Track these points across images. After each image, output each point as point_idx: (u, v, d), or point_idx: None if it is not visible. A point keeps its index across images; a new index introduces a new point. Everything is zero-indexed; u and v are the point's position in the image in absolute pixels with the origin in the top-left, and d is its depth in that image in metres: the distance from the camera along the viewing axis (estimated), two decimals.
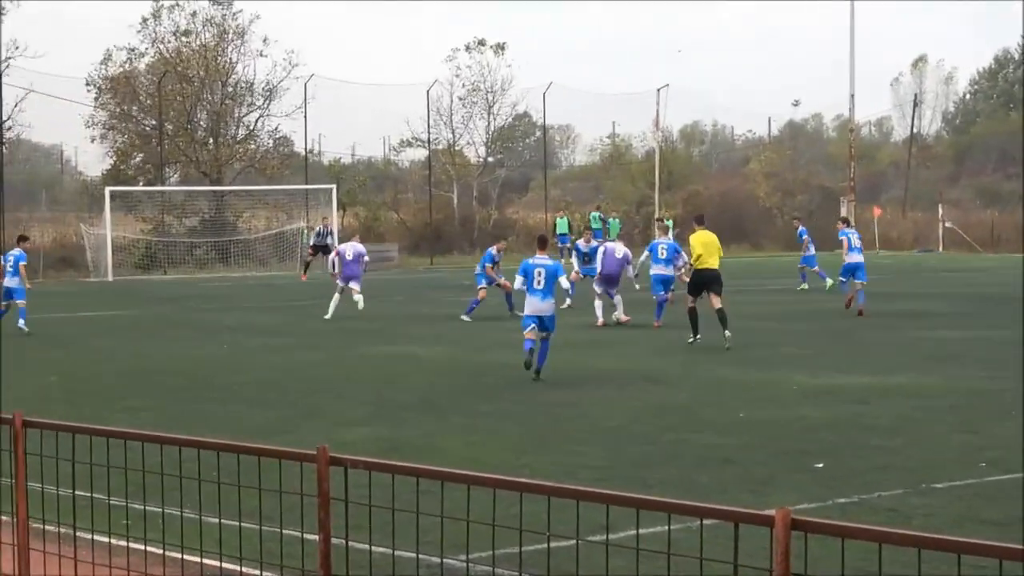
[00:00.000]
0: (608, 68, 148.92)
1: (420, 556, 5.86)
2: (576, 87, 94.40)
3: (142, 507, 7.25)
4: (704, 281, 23.20)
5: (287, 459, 5.99)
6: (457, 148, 70.26)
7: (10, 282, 27.45)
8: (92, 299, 39.03)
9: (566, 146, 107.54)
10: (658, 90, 67.04)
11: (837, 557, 4.53)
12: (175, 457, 6.43)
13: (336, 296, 29.99)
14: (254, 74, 62.95)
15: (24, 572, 6.98)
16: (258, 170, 62.69)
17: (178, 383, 19.07)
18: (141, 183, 60.32)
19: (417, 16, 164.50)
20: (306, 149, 64.57)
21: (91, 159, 66.82)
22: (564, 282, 19.60)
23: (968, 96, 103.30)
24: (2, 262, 28.06)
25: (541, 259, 19.14)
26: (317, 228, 48.54)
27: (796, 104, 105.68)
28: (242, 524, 6.33)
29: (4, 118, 56.07)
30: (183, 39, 61.04)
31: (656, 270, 27.67)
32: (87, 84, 60.44)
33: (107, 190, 53.08)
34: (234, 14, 61.48)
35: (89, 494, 7.36)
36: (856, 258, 30.04)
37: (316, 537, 5.78)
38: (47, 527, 7.13)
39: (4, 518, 7.30)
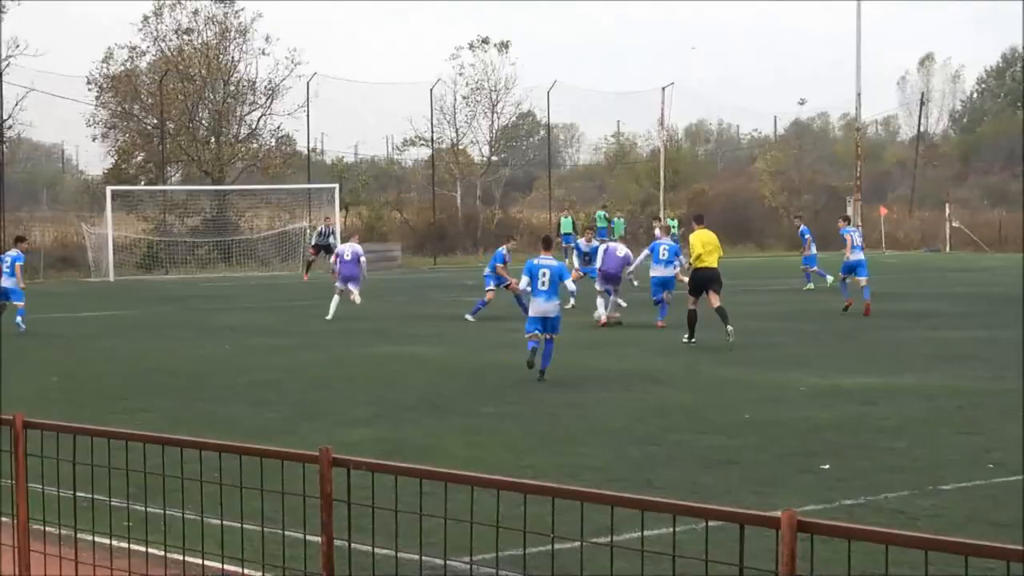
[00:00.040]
0: (613, 66, 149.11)
1: (423, 558, 5.83)
2: (580, 85, 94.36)
3: (143, 508, 7.21)
4: (704, 280, 23.20)
5: (289, 460, 5.96)
6: (461, 147, 70.14)
7: (7, 283, 27.43)
8: (93, 299, 39.02)
9: (570, 145, 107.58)
10: (663, 88, 66.90)
11: (843, 559, 4.54)
12: (176, 458, 6.41)
13: (336, 297, 29.96)
14: (256, 72, 62.94)
15: (24, 574, 6.95)
16: (260, 169, 62.57)
17: (179, 383, 19.05)
18: (142, 182, 60.22)
19: (420, 14, 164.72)
20: (308, 148, 64.53)
21: (92, 158, 66.72)
22: (570, 284, 19.58)
23: (975, 95, 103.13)
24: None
25: (546, 259, 19.10)
26: (319, 228, 48.34)
27: (802, 103, 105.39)
28: (244, 526, 6.32)
29: (5, 117, 56.04)
30: (185, 37, 60.90)
31: (656, 271, 27.56)
32: (88, 82, 60.34)
33: (108, 189, 53.00)
34: (236, 12, 61.40)
35: (90, 495, 7.31)
36: (857, 256, 30.02)
37: (318, 539, 5.77)
38: (48, 528, 7.12)
39: (4, 519, 7.27)
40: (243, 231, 58.70)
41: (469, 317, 28.54)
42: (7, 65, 55.51)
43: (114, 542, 6.85)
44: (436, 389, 17.95)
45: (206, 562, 6.51)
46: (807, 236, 38.59)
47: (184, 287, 44.79)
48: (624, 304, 28.05)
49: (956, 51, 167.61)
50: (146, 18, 60.57)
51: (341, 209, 56.46)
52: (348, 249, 30.95)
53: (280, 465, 5.94)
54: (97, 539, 7.17)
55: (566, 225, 55.12)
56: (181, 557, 6.95)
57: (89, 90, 60.39)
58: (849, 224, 32.45)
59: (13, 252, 27.97)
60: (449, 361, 21.46)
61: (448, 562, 5.83)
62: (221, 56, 61.05)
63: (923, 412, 15.49)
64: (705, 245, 23.28)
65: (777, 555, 4.41)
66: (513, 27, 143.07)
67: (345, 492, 5.68)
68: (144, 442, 6.65)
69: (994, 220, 69.13)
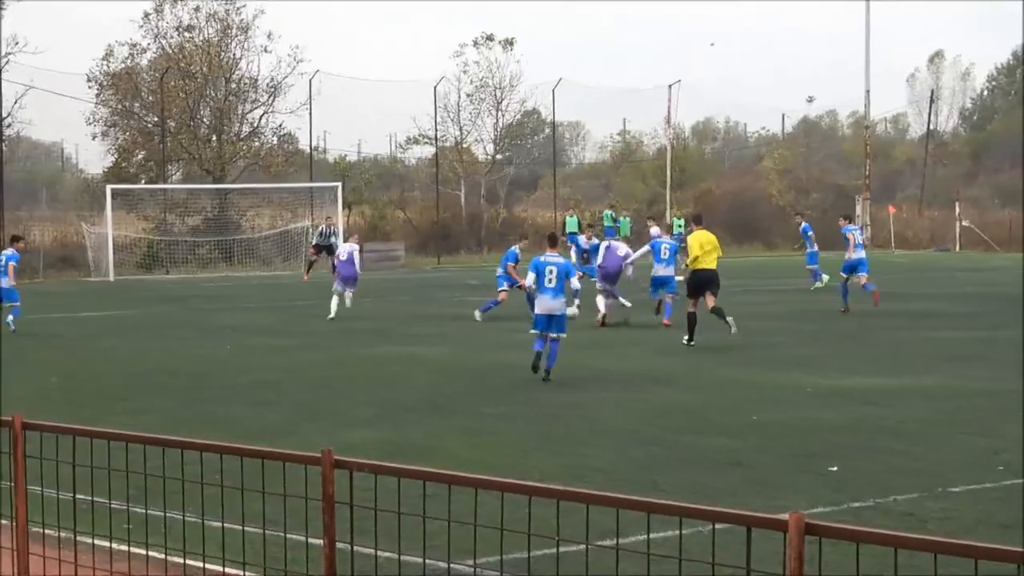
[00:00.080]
0: (618, 64, 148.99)
1: (426, 561, 5.79)
2: (586, 83, 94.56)
3: (143, 510, 7.17)
4: (703, 282, 23.06)
5: (291, 462, 5.93)
6: (465, 145, 70.04)
7: (1, 282, 27.34)
8: (93, 299, 39.00)
9: (576, 143, 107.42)
10: (670, 86, 66.77)
11: (851, 562, 4.51)
12: (177, 459, 6.39)
13: (335, 297, 29.95)
14: (258, 70, 62.83)
15: None
16: (262, 168, 62.50)
17: (180, 383, 19.03)
18: (143, 181, 60.13)
19: (424, 11, 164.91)
20: (311, 146, 64.50)
21: (92, 156, 66.68)
22: (575, 282, 19.57)
23: (986, 92, 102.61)
24: None
25: (553, 257, 19.11)
26: (320, 227, 48.10)
27: (810, 100, 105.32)
28: (245, 528, 6.29)
29: (4, 115, 56.02)
30: (186, 34, 60.82)
31: (657, 271, 27.59)
32: (88, 80, 60.29)
33: (108, 188, 52.91)
34: (238, 9, 61.23)
35: (90, 497, 7.28)
36: (858, 255, 29.95)
37: (320, 541, 5.75)
38: (47, 531, 7.09)
39: (3, 522, 7.23)
40: (244, 230, 58.64)
41: (478, 316, 28.44)
42: (6, 62, 55.49)
43: (114, 544, 6.82)
44: (438, 389, 17.92)
45: (207, 565, 6.49)
46: (809, 233, 38.51)
47: (185, 287, 44.76)
48: (628, 304, 28.00)
49: (966, 48, 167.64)
50: (147, 15, 60.51)
51: (344, 208, 56.33)
52: (344, 249, 31.26)
53: (282, 467, 5.91)
54: (97, 541, 7.15)
55: (571, 224, 55.03)
56: (182, 560, 6.89)
57: (89, 88, 60.42)
58: (850, 223, 32.34)
59: (8, 251, 27.89)
60: (452, 361, 21.43)
61: (451, 565, 5.81)
62: (223, 53, 60.97)
63: (931, 413, 15.44)
64: (703, 246, 23.14)
65: (784, 558, 4.38)
66: (515, 26, 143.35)
67: (347, 494, 5.65)
68: (144, 443, 6.61)
69: (1005, 219, 68.57)
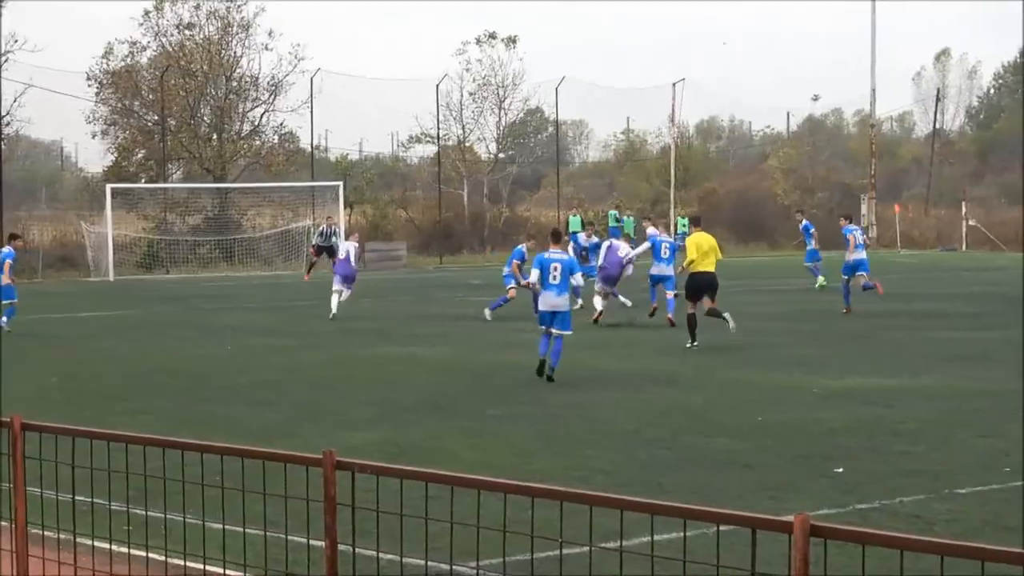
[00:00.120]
0: (622, 62, 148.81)
1: (429, 563, 5.77)
2: (590, 81, 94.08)
3: (144, 512, 7.14)
4: (701, 285, 22.90)
5: (292, 463, 5.90)
6: (467, 144, 69.84)
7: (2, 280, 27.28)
8: (93, 299, 38.98)
9: (579, 142, 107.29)
10: (674, 84, 66.43)
11: (857, 564, 4.50)
12: (177, 461, 6.36)
13: (335, 296, 29.93)
14: (259, 68, 62.63)
15: None
16: (263, 167, 62.42)
17: (180, 384, 19.00)
18: (143, 180, 60.05)
19: (426, 8, 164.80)
20: (312, 145, 64.44)
21: (92, 155, 66.63)
22: (579, 278, 19.59)
23: (992, 91, 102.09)
24: None
25: (557, 253, 19.14)
26: (320, 227, 48.00)
27: (815, 99, 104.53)
28: (246, 530, 6.27)
29: (3, 113, 56.01)
30: (186, 32, 60.70)
31: (656, 269, 27.61)
32: (88, 78, 60.15)
33: (108, 187, 52.85)
34: (238, 6, 61.04)
35: (89, 499, 7.25)
36: (859, 255, 29.88)
37: (322, 543, 5.73)
38: (46, 532, 7.06)
39: (3, 523, 7.20)
40: (245, 230, 58.56)
41: (488, 314, 28.39)
42: (5, 60, 55.44)
43: (114, 546, 6.80)
44: (440, 390, 17.89)
45: (208, 567, 6.47)
46: (811, 231, 38.47)
47: (185, 287, 44.73)
48: (629, 303, 27.97)
49: (973, 46, 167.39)
50: (147, 13, 60.38)
51: (345, 207, 56.22)
52: (344, 248, 31.44)
53: (283, 468, 5.88)
54: (97, 543, 7.12)
55: (574, 224, 54.89)
56: (182, 562, 6.85)
57: (89, 86, 60.29)
58: (851, 223, 32.25)
59: (6, 249, 27.83)
60: (453, 362, 21.40)
61: (454, 567, 5.79)
62: (223, 51, 60.84)
63: (936, 414, 15.40)
64: (700, 248, 22.96)
65: (790, 560, 4.37)
66: (515, 26, 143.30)
67: (349, 495, 5.61)
68: (144, 444, 6.59)
69: (1011, 218, 68.19)
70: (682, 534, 4.87)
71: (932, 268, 49.58)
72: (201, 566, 6.45)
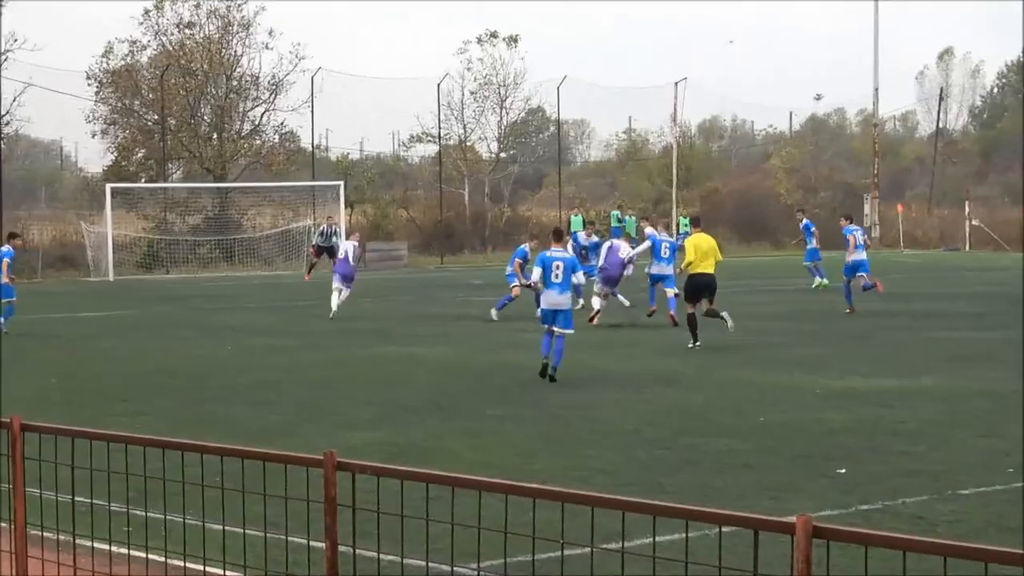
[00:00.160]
0: (624, 61, 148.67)
1: (429, 564, 5.75)
2: (591, 80, 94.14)
3: (143, 513, 7.12)
4: (699, 286, 22.82)
5: (293, 464, 5.88)
6: (468, 143, 69.73)
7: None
8: (92, 299, 38.94)
9: (581, 141, 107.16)
10: (676, 84, 66.24)
11: (860, 566, 4.51)
12: (177, 461, 6.34)
13: (334, 294, 29.91)
14: (259, 67, 62.50)
15: None
16: (263, 166, 62.33)
17: (180, 385, 18.98)
18: (143, 180, 59.98)
19: (426, 8, 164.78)
20: (313, 145, 64.31)
21: (92, 155, 66.54)
22: (580, 276, 19.60)
23: (996, 90, 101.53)
24: None
25: (559, 252, 19.16)
26: (321, 227, 47.91)
27: (818, 98, 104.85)
28: (246, 530, 6.24)
29: (3, 112, 55.98)
30: (186, 31, 60.59)
31: (656, 269, 27.61)
32: (88, 77, 60.05)
33: (108, 187, 52.78)
34: (239, 5, 60.87)
35: (89, 500, 7.24)
36: (859, 256, 29.83)
37: (322, 544, 5.72)
38: (46, 534, 7.05)
39: (2, 524, 7.18)
40: (246, 229, 58.51)
41: (494, 314, 28.35)
42: (5, 59, 55.39)
43: (113, 547, 6.79)
44: (441, 390, 17.86)
45: (208, 568, 6.46)
46: (812, 230, 38.43)
47: (185, 287, 44.70)
48: (628, 303, 27.95)
49: (976, 45, 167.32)
50: (147, 11, 60.25)
51: (346, 207, 56.13)
52: (342, 248, 31.63)
53: (283, 469, 5.86)
54: (96, 544, 7.11)
55: (576, 224, 54.82)
56: (182, 563, 6.84)
57: (89, 85, 60.17)
58: (851, 223, 32.17)
59: (4, 248, 27.78)
60: (454, 362, 21.37)
61: (455, 568, 5.77)
62: (223, 50, 60.72)
63: (940, 414, 15.36)
64: (698, 250, 22.83)
65: (792, 561, 4.36)
66: (515, 25, 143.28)
67: (349, 496, 5.60)
68: (144, 445, 6.58)
69: (1015, 218, 67.88)
70: (684, 535, 4.86)
71: (935, 268, 49.51)
72: (201, 567, 6.43)
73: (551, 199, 72.45)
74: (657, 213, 56.20)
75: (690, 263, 22.82)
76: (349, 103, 63.59)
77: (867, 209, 67.84)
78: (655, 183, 73.45)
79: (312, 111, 60.73)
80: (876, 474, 11.90)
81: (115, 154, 60.69)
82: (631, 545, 5.13)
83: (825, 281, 36.57)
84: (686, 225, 49.20)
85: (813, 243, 38.23)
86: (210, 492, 6.22)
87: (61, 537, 6.98)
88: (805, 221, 39.43)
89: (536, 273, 19.27)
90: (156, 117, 60.21)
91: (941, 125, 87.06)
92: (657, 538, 4.94)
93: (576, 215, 56.26)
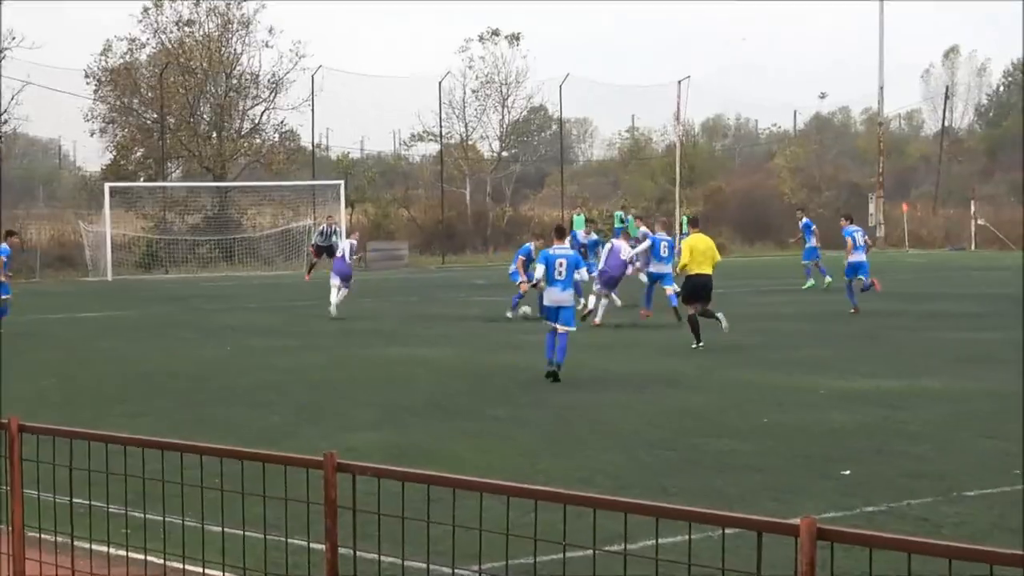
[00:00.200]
0: (627, 59, 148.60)
1: (430, 566, 5.73)
2: (594, 79, 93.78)
3: (142, 515, 7.10)
4: (698, 288, 22.78)
5: (293, 466, 5.85)
6: (470, 142, 69.71)
7: None
8: (91, 299, 38.92)
9: (583, 140, 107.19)
10: (679, 82, 66.02)
11: (865, 568, 4.50)
12: (176, 463, 6.31)
13: (333, 291, 29.89)
14: (259, 65, 62.65)
15: None
16: (263, 165, 62.34)
17: (179, 385, 18.95)
18: (142, 179, 60.03)
19: (426, 8, 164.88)
20: (313, 143, 64.37)
21: (90, 154, 66.55)
22: (583, 274, 19.62)
23: (1002, 88, 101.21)
24: None
25: (562, 249, 19.21)
26: (321, 227, 47.88)
27: (823, 96, 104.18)
28: (246, 532, 6.22)
29: (1, 111, 55.94)
30: (186, 29, 60.63)
31: (656, 267, 27.64)
32: (86, 76, 60.14)
33: (107, 186, 52.82)
34: (239, 3, 61.02)
35: (87, 501, 7.21)
36: (859, 257, 29.79)
37: (322, 546, 5.70)
38: (43, 535, 7.04)
39: (0, 526, 7.14)
40: (245, 229, 58.54)
41: (510, 313, 28.35)
42: (3, 58, 55.38)
43: (112, 550, 6.77)
44: (442, 391, 17.83)
45: (207, 570, 6.44)
46: (812, 228, 38.42)
47: (184, 287, 44.69)
48: (619, 303, 27.89)
49: (982, 44, 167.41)
50: (146, 9, 60.26)
51: (347, 206, 56.14)
52: (340, 247, 31.84)
53: (283, 470, 5.83)
54: (94, 547, 7.10)
55: (578, 223, 54.81)
56: (181, 565, 6.81)
57: (87, 83, 60.27)
58: (851, 223, 32.12)
59: (1, 245, 27.74)
60: (455, 362, 21.34)
61: (456, 571, 5.74)
62: (223, 48, 60.74)
63: (946, 416, 15.30)
64: (694, 251, 22.78)
65: (796, 564, 4.33)
66: (516, 25, 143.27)
67: (350, 498, 5.57)
68: (143, 447, 6.55)
69: (1021, 217, 68.02)
70: (687, 537, 4.84)
71: (940, 268, 49.46)
72: (200, 569, 6.41)
73: (553, 198, 72.40)
74: (660, 212, 56.15)
75: (684, 265, 22.80)
76: (349, 101, 63.56)
77: (872, 208, 67.80)
78: (658, 182, 73.34)
79: (312, 110, 60.82)
80: (880, 475, 11.85)
81: (114, 153, 60.72)
82: (634, 547, 5.12)
83: (829, 279, 36.55)
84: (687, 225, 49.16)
85: (813, 242, 38.23)
86: (209, 494, 6.20)
87: (59, 539, 6.97)
88: (805, 220, 39.45)
89: (539, 271, 19.27)
90: (155, 116, 60.20)
91: (947, 124, 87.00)
92: (660, 540, 4.92)
93: (578, 214, 56.22)
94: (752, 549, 4.56)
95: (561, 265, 18.80)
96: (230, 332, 27.00)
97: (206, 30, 60.78)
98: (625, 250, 28.10)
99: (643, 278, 28.44)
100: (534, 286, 25.79)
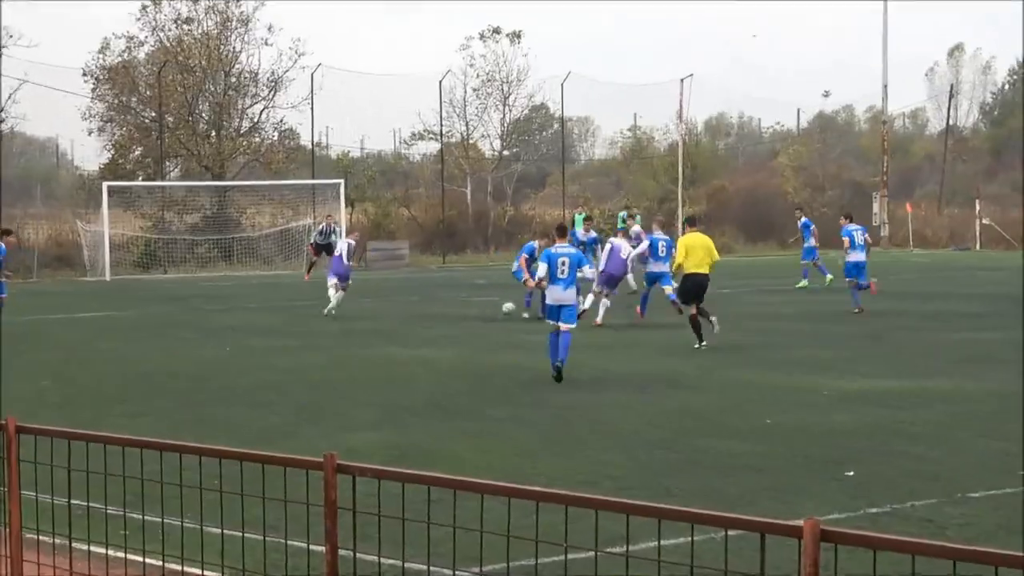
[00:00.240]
0: (629, 58, 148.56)
1: (431, 568, 5.70)
2: (596, 77, 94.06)
3: (140, 516, 7.08)
4: (696, 287, 22.75)
5: (292, 467, 5.83)
6: (471, 141, 69.51)
7: None
8: (89, 299, 38.86)
9: (585, 139, 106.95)
10: (681, 80, 65.77)
11: (868, 570, 4.49)
12: (175, 464, 6.28)
13: (331, 290, 29.88)
14: (259, 64, 62.37)
15: None
16: (262, 164, 62.18)
17: (178, 386, 18.93)
18: (140, 178, 59.89)
19: (426, 7, 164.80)
20: (312, 142, 64.18)
21: (88, 153, 66.75)
22: (588, 271, 19.65)
23: (1007, 87, 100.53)
24: None
25: (564, 248, 19.24)
26: (320, 226, 47.83)
27: (826, 95, 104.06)
28: (245, 534, 6.20)
29: None
30: (184, 27, 60.42)
31: (655, 267, 27.64)
32: (84, 74, 59.86)
33: (105, 185, 52.67)
34: (238, 1, 60.91)
35: (85, 503, 7.17)
36: (859, 256, 29.75)
37: (322, 548, 5.69)
38: (41, 537, 7.03)
39: None
40: (244, 228, 58.45)
41: (525, 314, 28.33)
42: (0, 56, 55.30)
43: (110, 551, 6.75)
44: (443, 391, 17.82)
45: (206, 572, 6.44)
46: (811, 228, 38.42)
47: (183, 287, 44.64)
48: (609, 303, 27.84)
49: (987, 42, 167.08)
50: (144, 7, 60.06)
51: (347, 206, 56.06)
52: (338, 246, 31.76)
53: (283, 471, 5.81)
54: (93, 548, 7.08)
55: (580, 223, 54.80)
56: (180, 567, 6.79)
57: (85, 82, 59.99)
58: (851, 222, 32.08)
59: None
60: (456, 362, 21.32)
61: (457, 572, 5.73)
62: (222, 46, 60.56)
63: (950, 417, 15.27)
64: (690, 251, 22.74)
65: (799, 565, 4.33)
66: (516, 24, 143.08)
67: (350, 499, 5.55)
68: (142, 447, 6.53)
69: (1021, 217, 67.77)
70: (689, 539, 4.82)
71: (945, 267, 49.37)
72: (199, 571, 6.40)
73: (555, 197, 72.24)
74: (662, 212, 56.07)
75: (679, 265, 22.78)
76: (349, 100, 63.41)
77: (876, 207, 67.68)
78: (660, 181, 73.14)
79: (312, 108, 60.66)
80: (884, 477, 11.83)
81: (112, 152, 60.56)
82: (635, 549, 5.10)
83: (830, 276, 36.53)
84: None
85: (812, 241, 38.24)
86: (208, 495, 6.19)
87: (57, 540, 6.96)
88: (804, 219, 39.48)
89: (542, 269, 19.26)
90: (153, 114, 60.08)
91: (951, 122, 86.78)
92: (662, 542, 4.90)
93: (580, 214, 56.13)
94: (754, 550, 4.56)
95: (564, 264, 18.83)
96: (230, 332, 26.96)
97: (205, 28, 60.65)
98: (625, 249, 28.11)
99: (632, 282, 28.44)
100: (538, 285, 25.84)
